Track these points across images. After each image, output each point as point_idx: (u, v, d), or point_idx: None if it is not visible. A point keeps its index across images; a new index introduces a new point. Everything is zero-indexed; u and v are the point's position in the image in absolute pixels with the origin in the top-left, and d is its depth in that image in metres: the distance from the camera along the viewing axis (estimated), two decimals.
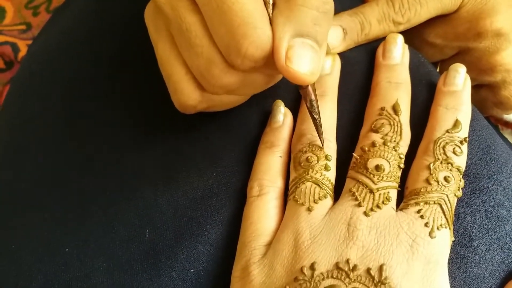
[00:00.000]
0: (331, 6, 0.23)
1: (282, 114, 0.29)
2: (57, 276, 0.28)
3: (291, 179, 0.27)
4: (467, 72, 0.29)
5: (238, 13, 0.21)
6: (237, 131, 0.30)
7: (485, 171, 0.28)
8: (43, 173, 0.32)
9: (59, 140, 0.32)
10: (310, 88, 0.25)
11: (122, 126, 0.31)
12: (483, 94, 0.36)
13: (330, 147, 0.27)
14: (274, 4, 0.23)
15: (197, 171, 0.29)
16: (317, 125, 0.26)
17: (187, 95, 0.25)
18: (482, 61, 0.33)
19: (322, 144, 0.27)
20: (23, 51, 0.67)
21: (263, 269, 0.24)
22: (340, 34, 0.30)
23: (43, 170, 0.32)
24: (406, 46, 0.30)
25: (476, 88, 0.36)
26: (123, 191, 0.30)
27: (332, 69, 0.30)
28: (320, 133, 0.27)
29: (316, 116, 0.26)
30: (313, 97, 0.25)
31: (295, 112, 0.30)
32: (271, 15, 0.22)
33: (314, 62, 0.22)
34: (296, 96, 0.31)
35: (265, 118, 0.30)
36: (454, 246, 0.25)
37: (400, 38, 0.30)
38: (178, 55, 0.25)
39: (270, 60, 0.22)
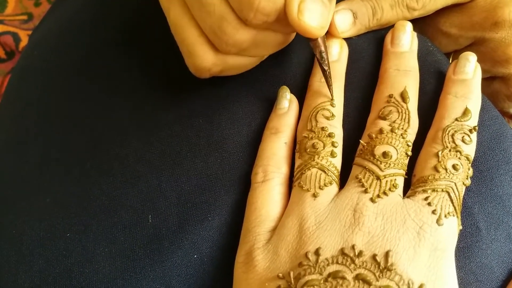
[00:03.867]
0: None
1: (288, 101, 0.29)
2: (58, 261, 0.27)
3: (296, 166, 0.26)
4: (481, 63, 0.28)
5: None
6: (242, 117, 0.30)
7: (493, 161, 0.28)
8: (45, 157, 0.31)
9: (60, 124, 0.32)
10: (320, 40, 0.26)
11: (126, 110, 0.31)
12: (496, 86, 0.35)
13: (337, 133, 0.27)
14: None
15: (201, 156, 0.29)
16: (327, 77, 0.27)
17: (201, 57, 0.25)
18: (498, 52, 0.32)
19: (332, 96, 0.28)
20: (24, 41, 0.67)
21: (267, 255, 0.24)
22: (350, 18, 0.30)
23: (45, 155, 0.31)
24: (415, 34, 0.30)
25: (489, 80, 0.35)
26: (127, 175, 0.29)
27: (340, 55, 0.29)
28: (329, 85, 0.27)
29: (326, 68, 0.27)
30: (322, 48, 0.26)
31: (301, 99, 0.30)
32: None
33: (324, 17, 0.23)
34: (302, 84, 0.30)
35: (270, 104, 0.30)
36: (461, 236, 0.25)
37: (409, 26, 0.29)
38: (191, 19, 0.25)
39: (281, 16, 0.23)
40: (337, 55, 0.30)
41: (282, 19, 0.23)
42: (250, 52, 0.26)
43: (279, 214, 0.26)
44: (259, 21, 0.23)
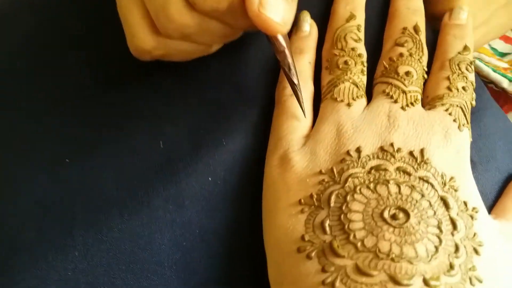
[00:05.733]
0: None
1: (309, 24, 0.30)
2: (57, 188, 0.25)
3: (326, 81, 0.27)
4: None
5: None
6: (252, 55, 0.30)
7: (481, 104, 0.31)
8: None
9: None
10: (287, 51, 0.24)
11: None
12: None
13: (364, 55, 0.28)
14: None
15: (214, 84, 0.28)
16: (296, 91, 0.25)
17: (142, 39, 0.24)
18: None
19: (303, 110, 0.25)
20: None
21: (304, 155, 0.24)
22: None
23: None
24: None
25: None
26: (131, 106, 0.28)
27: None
28: (300, 99, 0.25)
29: (295, 80, 0.24)
30: (290, 60, 0.24)
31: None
32: None
33: (287, 12, 0.21)
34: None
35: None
36: None
37: None
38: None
39: (234, 7, 0.21)
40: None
41: (234, 10, 0.21)
42: (193, 38, 0.24)
43: (309, 125, 0.26)
44: (208, 8, 0.21)
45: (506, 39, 0.49)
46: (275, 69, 0.29)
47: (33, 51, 0.30)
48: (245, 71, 0.29)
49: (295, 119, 0.26)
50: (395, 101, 0.25)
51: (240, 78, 0.29)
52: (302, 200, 0.23)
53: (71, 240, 0.24)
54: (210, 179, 0.26)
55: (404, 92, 0.26)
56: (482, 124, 0.30)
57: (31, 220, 0.25)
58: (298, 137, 0.25)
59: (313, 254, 0.21)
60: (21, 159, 0.27)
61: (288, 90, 0.27)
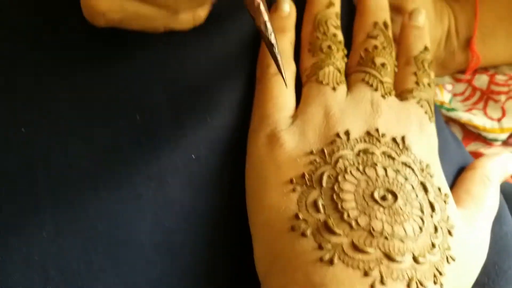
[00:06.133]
0: None
1: (288, 5, 0.30)
2: (15, 154, 0.22)
3: (310, 63, 0.27)
4: None
5: None
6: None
7: None
8: None
9: None
10: (262, 6, 0.22)
11: None
12: None
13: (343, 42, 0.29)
14: None
15: (193, 59, 0.27)
16: (274, 54, 0.23)
17: None
18: None
19: (282, 74, 0.24)
20: None
21: (293, 135, 0.24)
22: None
23: None
24: None
25: None
26: (103, 75, 0.26)
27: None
28: (279, 65, 0.23)
29: (273, 42, 0.23)
30: (266, 17, 0.22)
31: None
32: None
33: None
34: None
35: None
36: None
37: None
38: None
39: None
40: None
41: None
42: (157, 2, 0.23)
43: (293, 105, 0.26)
44: None
45: None
46: (254, 45, 0.29)
47: None
48: (223, 46, 0.28)
49: (280, 98, 0.26)
50: (376, 89, 0.27)
51: (220, 54, 0.28)
52: (294, 179, 0.23)
53: (37, 218, 0.21)
54: (193, 156, 0.24)
55: (381, 82, 0.27)
56: (437, 119, 0.32)
57: None
58: (284, 116, 0.25)
59: (308, 232, 0.21)
60: None
61: (272, 68, 0.27)
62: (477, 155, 0.49)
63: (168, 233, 0.23)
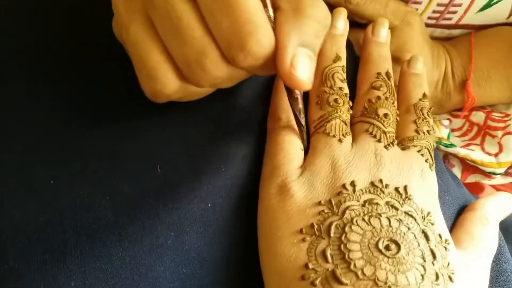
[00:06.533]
0: (330, 21, 0.25)
1: None
2: (42, 209, 0.24)
3: (318, 116, 0.29)
4: None
5: (245, 8, 0.21)
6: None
7: None
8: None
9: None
10: (300, 98, 0.27)
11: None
12: None
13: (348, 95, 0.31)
14: (275, 8, 0.23)
15: (209, 110, 0.29)
16: (302, 133, 0.28)
17: (163, 83, 0.24)
18: None
19: (305, 147, 0.29)
20: None
21: (302, 186, 0.26)
22: None
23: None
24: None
25: None
26: (124, 127, 0.27)
27: (345, 30, 0.34)
28: (304, 140, 0.29)
29: (303, 126, 0.28)
30: (301, 106, 0.27)
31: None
32: (271, 16, 0.23)
33: (311, 71, 0.24)
34: None
35: None
36: None
37: (387, 22, 0.36)
38: (157, 40, 0.23)
39: (267, 64, 0.23)
40: (343, 30, 0.33)
41: (267, 66, 0.23)
42: (219, 85, 0.25)
43: (302, 155, 0.28)
44: (247, 64, 0.22)
45: None
46: (265, 98, 0.31)
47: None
48: (237, 100, 0.30)
49: (290, 150, 0.28)
50: (379, 140, 0.28)
51: (233, 108, 0.30)
52: (304, 229, 0.24)
53: (66, 269, 0.23)
54: (209, 205, 0.26)
55: (384, 132, 0.29)
56: (436, 162, 0.34)
57: (12, 248, 0.23)
58: (295, 167, 0.27)
59: (317, 281, 0.23)
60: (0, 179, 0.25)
61: (282, 122, 0.29)
62: (478, 186, 0.51)
63: (184, 279, 0.25)
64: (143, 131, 0.27)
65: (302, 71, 0.23)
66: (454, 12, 0.41)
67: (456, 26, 0.43)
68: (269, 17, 0.23)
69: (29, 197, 0.24)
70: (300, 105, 0.27)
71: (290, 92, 0.27)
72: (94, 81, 0.28)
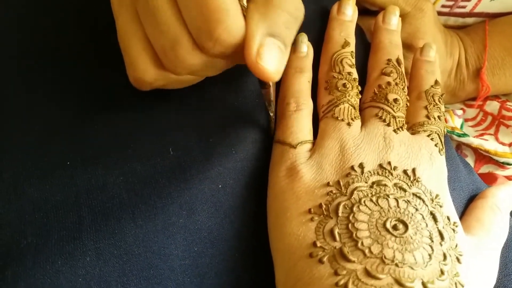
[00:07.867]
0: (302, 13, 0.25)
1: (306, 45, 0.32)
2: (59, 189, 0.25)
3: (326, 100, 0.30)
4: None
5: None
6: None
7: None
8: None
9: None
10: (271, 90, 0.27)
11: None
12: None
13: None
14: None
15: (219, 97, 0.30)
16: (270, 122, 0.29)
17: (142, 71, 0.24)
18: None
19: (271, 134, 0.29)
20: None
21: (311, 168, 0.27)
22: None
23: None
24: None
25: None
26: (137, 113, 0.28)
27: (353, 16, 0.34)
28: (272, 130, 0.29)
29: (272, 115, 0.29)
30: (272, 98, 0.28)
31: None
32: (245, 6, 0.23)
33: (280, 62, 0.23)
34: None
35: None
36: None
37: (398, 10, 0.36)
38: (138, 30, 0.24)
39: (238, 49, 0.22)
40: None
41: (238, 52, 0.23)
42: (198, 73, 0.25)
43: (311, 139, 0.29)
44: (217, 52, 0.22)
45: None
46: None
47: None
48: (247, 86, 0.31)
49: (300, 133, 0.28)
50: (388, 124, 0.29)
51: (244, 93, 0.30)
52: (312, 209, 0.25)
53: (81, 245, 0.24)
54: (220, 186, 0.27)
55: (394, 117, 0.29)
56: (448, 148, 0.34)
57: (31, 225, 0.24)
58: (303, 150, 0.28)
59: (325, 259, 0.23)
60: (18, 161, 0.26)
61: (292, 105, 0.29)
62: (491, 176, 0.51)
63: (196, 257, 0.25)
64: (155, 116, 0.28)
65: (269, 61, 0.22)
66: (469, 0, 0.41)
67: (470, 14, 0.43)
68: (242, 6, 0.22)
69: (46, 177, 0.25)
70: (271, 96, 0.27)
71: (261, 82, 0.26)
72: (108, 69, 0.29)
